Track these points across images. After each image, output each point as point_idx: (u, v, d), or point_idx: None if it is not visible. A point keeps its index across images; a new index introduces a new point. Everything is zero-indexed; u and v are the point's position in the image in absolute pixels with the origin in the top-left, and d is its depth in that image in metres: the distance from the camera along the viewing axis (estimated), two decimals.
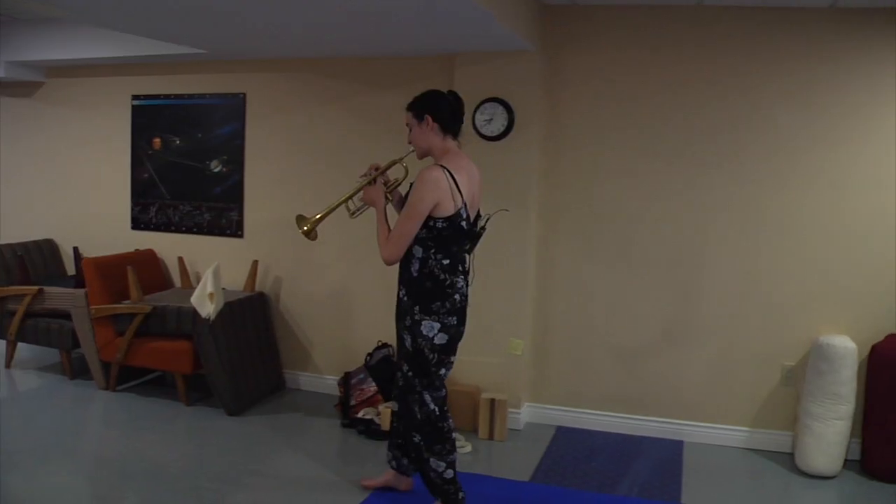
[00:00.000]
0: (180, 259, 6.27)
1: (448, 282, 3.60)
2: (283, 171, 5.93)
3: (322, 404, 5.64)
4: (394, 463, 4.09)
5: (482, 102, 5.08)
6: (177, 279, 6.37)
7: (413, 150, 3.76)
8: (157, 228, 6.48)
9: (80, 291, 5.81)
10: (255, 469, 4.47)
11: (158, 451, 4.71)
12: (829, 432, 4.50)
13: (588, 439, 5.09)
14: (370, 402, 5.21)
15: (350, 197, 3.86)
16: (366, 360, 5.44)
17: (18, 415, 5.53)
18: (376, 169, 3.85)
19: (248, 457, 4.61)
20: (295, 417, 5.35)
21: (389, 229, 3.63)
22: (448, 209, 3.51)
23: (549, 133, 5.18)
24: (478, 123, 5.09)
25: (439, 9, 3.92)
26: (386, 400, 5.20)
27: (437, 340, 3.62)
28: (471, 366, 5.26)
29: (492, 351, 5.23)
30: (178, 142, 6.30)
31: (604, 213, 5.13)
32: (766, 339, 4.90)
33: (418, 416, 3.71)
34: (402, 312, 3.72)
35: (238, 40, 5.19)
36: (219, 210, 6.19)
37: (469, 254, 3.73)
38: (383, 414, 4.99)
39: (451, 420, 3.78)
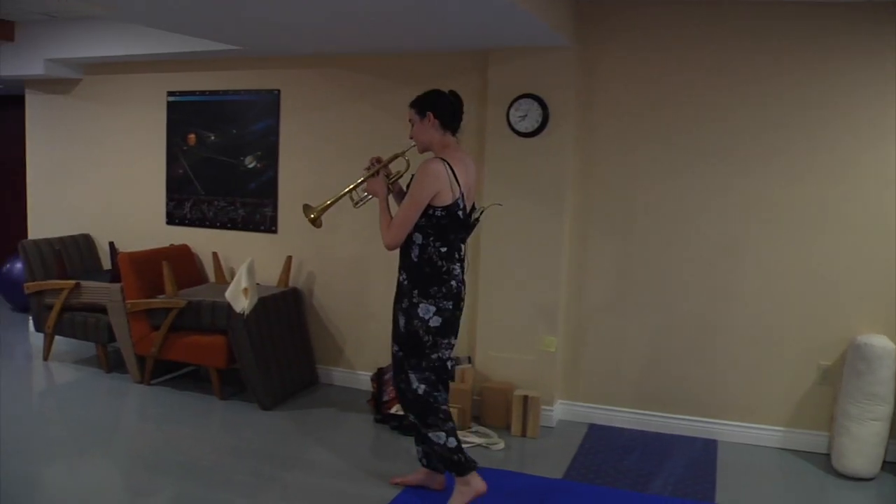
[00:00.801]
0: (214, 254, 6.32)
1: (445, 268, 3.79)
2: (317, 166, 5.95)
3: (355, 400, 5.66)
4: (424, 460, 4.15)
5: (516, 99, 5.06)
6: (211, 274, 6.43)
7: (414, 145, 3.98)
8: (191, 224, 6.54)
9: (116, 286, 5.88)
10: (289, 463, 4.50)
11: (193, 445, 4.76)
12: (867, 433, 4.44)
13: (621, 437, 5.06)
14: None
15: (354, 187, 4.05)
16: None
17: (55, 407, 5.62)
18: (379, 161, 4.03)
19: (282, 451, 4.63)
20: (328, 413, 5.37)
21: (391, 218, 3.81)
22: (447, 199, 3.71)
23: (584, 129, 5.15)
24: (512, 120, 5.08)
25: (475, 5, 3.91)
26: None
27: (431, 323, 3.78)
28: (504, 363, 5.26)
29: (525, 348, 5.22)
30: (212, 138, 6.35)
31: (638, 211, 5.10)
32: (803, 338, 4.85)
33: (408, 396, 3.90)
34: (400, 295, 3.90)
35: (273, 37, 5.21)
36: (253, 206, 6.23)
37: (464, 243, 3.91)
38: None
39: (441, 393, 3.92)
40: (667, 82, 4.96)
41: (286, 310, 5.74)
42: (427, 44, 5.22)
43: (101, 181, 7.01)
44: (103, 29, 6.31)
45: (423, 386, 3.85)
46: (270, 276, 6.03)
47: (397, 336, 3.93)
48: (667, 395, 5.14)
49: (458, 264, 3.87)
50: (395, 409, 5.13)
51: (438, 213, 3.72)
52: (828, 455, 4.76)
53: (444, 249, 3.78)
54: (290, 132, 6.06)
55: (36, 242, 6.57)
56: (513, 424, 5.05)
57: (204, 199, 6.46)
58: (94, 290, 6.07)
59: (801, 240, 4.80)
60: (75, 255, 6.82)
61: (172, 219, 6.62)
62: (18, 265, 8.02)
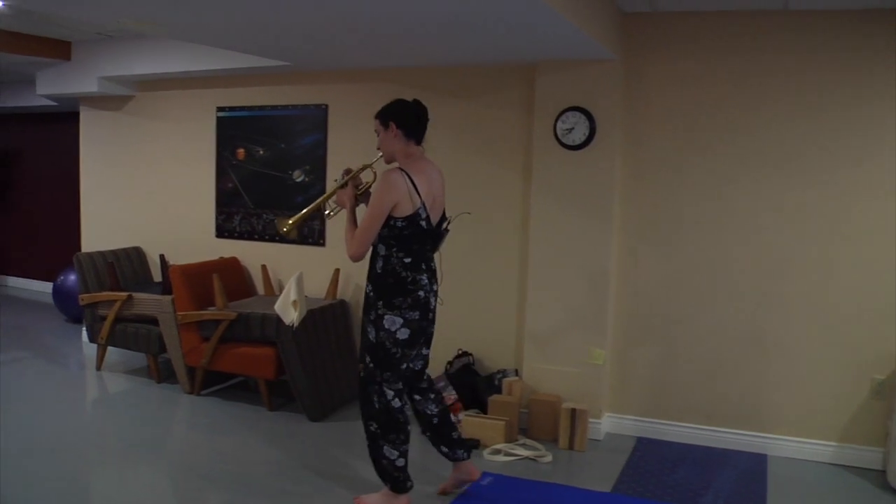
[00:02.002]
0: (263, 267, 6.40)
1: (410, 278, 3.80)
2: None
3: None
4: (450, 454, 4.24)
5: (563, 111, 5.07)
6: (260, 287, 6.51)
7: (381, 156, 3.98)
8: (240, 237, 6.63)
9: (167, 298, 5.98)
10: (337, 474, 4.53)
11: (241, 455, 4.81)
12: None
13: (669, 451, 5.02)
14: (451, 409, 5.22)
15: (325, 199, 4.12)
16: (446, 367, 5.47)
17: (107, 416, 5.73)
18: (348, 173, 4.07)
19: (330, 462, 4.67)
20: None
21: (355, 228, 3.85)
22: (406, 209, 3.72)
23: (631, 141, 5.14)
24: (559, 132, 5.09)
25: (523, 19, 3.93)
26: (466, 408, 5.23)
27: (399, 335, 3.80)
28: (551, 375, 5.25)
29: (572, 360, 5.21)
30: (261, 152, 6.44)
31: (687, 223, 5.07)
32: (855, 351, 4.77)
33: (376, 406, 3.88)
34: (367, 307, 3.91)
35: (322, 52, 5.28)
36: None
37: (432, 253, 3.94)
38: (464, 422, 5.01)
39: (407, 412, 3.96)
40: (715, 93, 4.94)
41: (334, 322, 5.79)
42: (473, 57, 5.25)
43: (152, 195, 7.14)
44: (155, 47, 6.44)
45: (397, 399, 3.90)
46: (318, 289, 6.09)
47: (368, 347, 3.91)
48: (716, 408, 5.09)
49: (427, 275, 3.88)
50: None
51: (399, 223, 3.74)
52: (883, 471, 4.67)
53: (407, 260, 3.81)
54: (337, 146, 6.13)
55: (90, 255, 6.71)
56: (560, 437, 5.03)
57: (253, 213, 6.54)
58: (146, 301, 6.18)
59: (853, 251, 4.73)
60: (127, 267, 6.95)
61: (222, 232, 6.72)
62: (72, 277, 8.20)
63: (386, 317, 3.80)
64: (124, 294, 6.28)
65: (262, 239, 6.50)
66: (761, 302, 4.94)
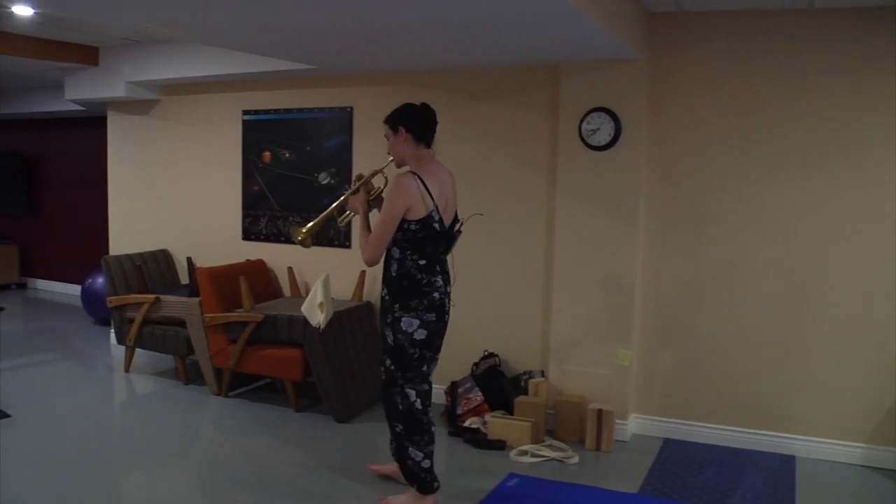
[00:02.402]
0: (290, 269, 6.44)
1: (425, 280, 3.85)
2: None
3: None
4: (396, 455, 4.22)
5: (588, 112, 5.07)
6: (286, 289, 6.54)
7: (392, 160, 4.03)
8: (266, 239, 6.67)
9: (195, 300, 6.03)
10: (363, 475, 4.54)
11: (269, 456, 4.84)
12: None
13: (697, 452, 5.00)
14: (477, 411, 5.24)
15: (337, 206, 4.21)
16: (472, 369, 5.49)
17: (136, 417, 5.79)
18: (359, 179, 4.14)
19: (356, 463, 4.68)
20: None
21: (369, 233, 3.89)
22: (419, 212, 3.77)
23: (656, 142, 5.14)
24: (584, 133, 5.08)
25: (548, 20, 3.94)
26: (492, 409, 5.23)
27: (416, 336, 3.86)
28: (577, 376, 5.25)
29: (599, 361, 5.21)
30: (287, 155, 6.48)
31: (712, 224, 5.06)
32: (885, 352, 4.72)
33: (400, 408, 3.95)
34: (384, 310, 3.97)
35: (347, 55, 5.31)
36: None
37: (445, 255, 3.99)
38: (491, 423, 5.02)
39: (431, 414, 4.03)
40: (742, 93, 4.91)
41: (360, 324, 5.81)
42: (497, 59, 5.26)
43: (179, 198, 7.20)
44: (181, 51, 6.51)
45: (419, 400, 3.95)
46: (344, 291, 6.11)
47: (388, 350, 3.96)
48: (744, 409, 5.06)
49: (440, 276, 3.92)
50: (469, 423, 5.17)
51: (413, 226, 3.78)
52: None
53: (422, 262, 3.85)
54: (362, 148, 6.15)
55: (118, 258, 6.78)
56: (587, 438, 5.03)
57: (279, 215, 6.58)
58: (174, 304, 6.23)
59: (882, 253, 4.69)
60: (154, 270, 7.01)
61: (248, 234, 6.76)
62: (100, 280, 8.27)
63: (403, 319, 3.86)
64: (152, 296, 6.34)
65: (288, 241, 6.53)
66: (788, 302, 4.92)
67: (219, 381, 5.99)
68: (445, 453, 5.00)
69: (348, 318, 5.65)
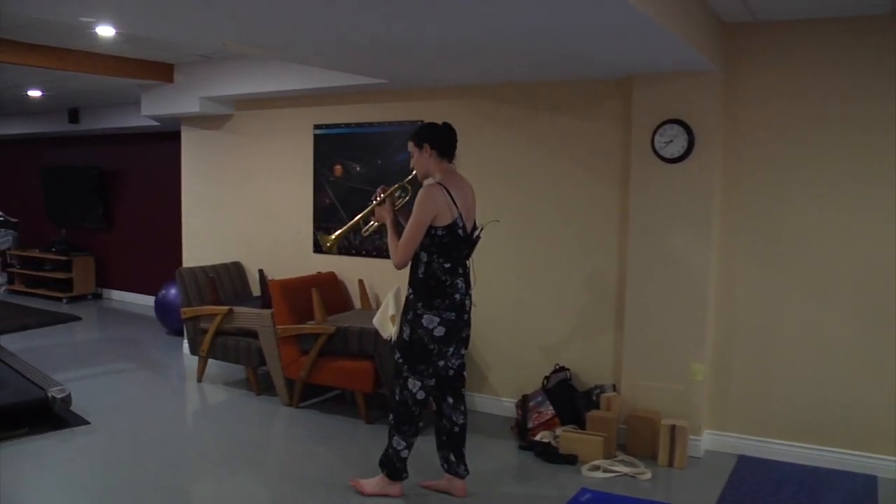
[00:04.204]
0: (360, 281, 6.49)
1: (449, 282, 4.16)
2: None
3: (498, 426, 5.68)
4: (445, 465, 4.47)
5: (661, 124, 5.03)
6: (357, 301, 6.60)
7: (415, 174, 4.36)
8: (338, 252, 6.73)
9: (267, 312, 6.11)
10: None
11: (340, 466, 4.88)
12: None
13: (772, 470, 4.89)
14: (548, 424, 5.21)
15: (364, 216, 4.50)
16: (543, 382, 5.46)
17: (208, 426, 5.90)
18: (384, 192, 4.43)
19: (428, 476, 4.67)
20: (471, 438, 5.32)
21: (398, 240, 4.18)
22: (446, 219, 4.10)
23: (730, 154, 5.06)
24: (657, 145, 5.04)
25: (624, 31, 3.92)
26: (563, 423, 5.20)
27: (436, 332, 4.14)
28: (650, 391, 5.19)
29: (671, 376, 5.14)
30: (358, 168, 6.54)
31: (788, 236, 4.95)
32: None
33: (397, 398, 4.28)
34: (406, 308, 4.27)
35: (417, 69, 5.36)
36: None
37: (467, 259, 4.28)
38: (562, 437, 4.99)
39: (423, 409, 4.31)
40: (819, 104, 4.81)
41: None
42: (569, 72, 5.25)
43: (251, 211, 7.32)
44: (254, 67, 6.63)
45: (422, 392, 4.24)
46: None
47: (399, 344, 4.29)
48: (822, 426, 4.93)
49: (462, 279, 4.22)
50: (540, 436, 5.14)
51: (440, 232, 4.10)
52: None
53: (447, 265, 4.15)
54: None
55: (191, 270, 6.92)
56: (660, 454, 4.96)
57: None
58: (247, 315, 6.32)
59: None
60: (227, 281, 7.13)
61: (319, 247, 6.84)
62: (173, 291, 8.44)
63: (424, 316, 4.14)
64: (225, 308, 6.45)
65: (359, 254, 6.59)
66: (869, 316, 4.78)
67: (290, 391, 6.06)
68: (516, 467, 4.98)
69: None
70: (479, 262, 5.86)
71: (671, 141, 5.01)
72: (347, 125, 6.61)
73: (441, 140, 4.27)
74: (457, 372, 4.42)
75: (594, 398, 5.29)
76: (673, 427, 4.91)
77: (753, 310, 5.09)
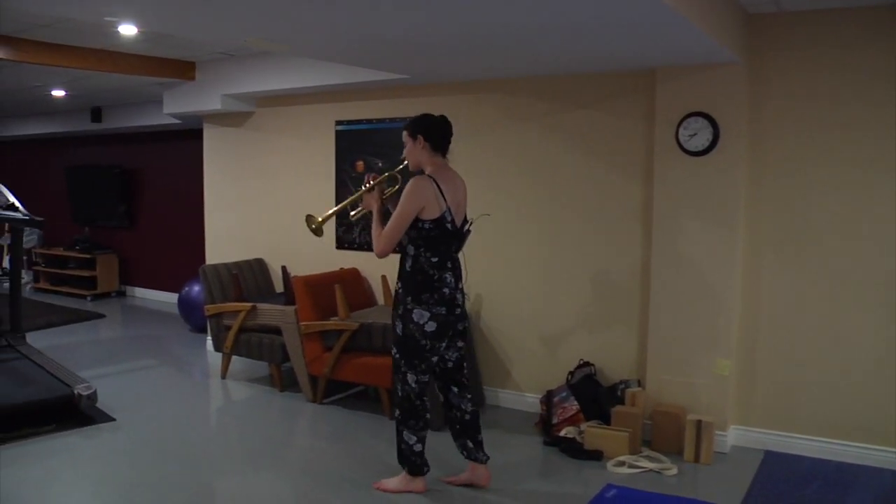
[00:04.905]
0: (383, 277, 6.49)
1: (437, 276, 4.14)
2: (484, 190, 6.01)
3: (522, 422, 5.66)
4: (464, 452, 4.47)
5: (685, 117, 4.98)
6: (380, 297, 6.60)
7: (406, 163, 4.35)
8: (360, 248, 6.74)
9: (291, 308, 6.12)
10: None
11: (363, 462, 4.88)
12: None
13: (800, 466, 4.84)
14: (572, 420, 5.19)
15: (351, 202, 4.53)
16: (567, 377, 5.44)
17: (232, 422, 5.93)
18: (374, 179, 4.41)
19: (452, 471, 4.66)
20: (495, 434, 5.38)
21: (382, 229, 4.18)
22: (433, 213, 4.08)
23: (755, 147, 5.01)
24: (681, 139, 5.00)
25: (648, 23, 3.89)
26: (588, 419, 5.17)
27: (427, 328, 4.12)
28: (675, 386, 5.16)
29: (696, 371, 5.10)
30: (380, 164, 6.53)
31: (814, 229, 4.90)
32: None
33: (399, 394, 4.27)
34: (396, 303, 4.25)
35: (439, 65, 5.34)
36: None
37: (456, 253, 4.27)
38: (587, 433, 4.97)
39: (427, 401, 4.29)
40: (847, 96, 4.75)
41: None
42: (591, 65, 5.22)
43: (273, 208, 7.34)
44: (275, 64, 6.65)
45: (416, 387, 4.21)
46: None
47: (395, 340, 4.26)
48: (850, 421, 4.88)
49: (450, 273, 4.18)
50: (565, 432, 5.12)
51: (427, 225, 4.08)
52: None
53: (434, 259, 4.13)
54: (455, 157, 6.10)
55: (214, 267, 6.94)
56: (685, 449, 4.92)
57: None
58: (270, 312, 6.34)
59: None
60: (250, 278, 7.16)
61: (342, 243, 6.85)
62: (196, 288, 8.48)
63: (414, 311, 4.13)
64: (248, 304, 6.46)
65: None
66: None
67: (314, 388, 6.07)
68: (540, 462, 4.97)
69: None
70: (502, 258, 5.93)
71: (696, 134, 4.96)
72: (369, 121, 6.61)
73: (436, 133, 4.27)
74: (456, 364, 4.39)
75: (619, 393, 5.27)
76: (699, 422, 4.87)
77: (779, 304, 5.04)
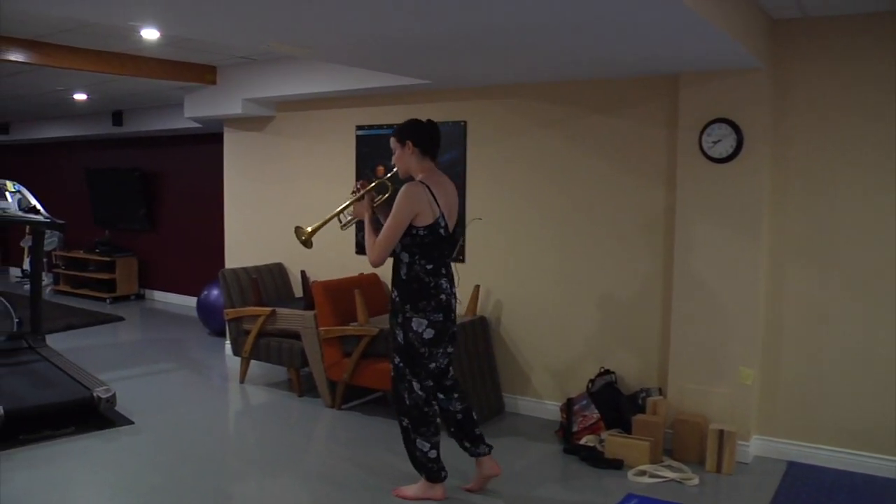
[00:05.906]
0: None
1: (432, 283, 4.13)
2: (505, 196, 6.00)
3: (541, 429, 5.62)
4: (468, 452, 4.44)
5: (709, 124, 4.94)
6: None
7: (396, 170, 4.32)
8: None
9: (310, 313, 6.11)
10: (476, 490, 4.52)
11: (381, 468, 4.87)
12: None
13: (824, 477, 4.77)
14: (593, 428, 5.15)
15: (342, 211, 4.44)
16: (588, 385, 5.40)
17: (250, 427, 5.93)
18: (364, 186, 4.38)
19: (469, 479, 4.63)
20: (515, 441, 5.36)
21: (375, 237, 4.15)
22: (427, 219, 4.07)
23: (780, 154, 4.96)
24: (704, 145, 4.96)
25: (671, 27, 3.85)
26: (609, 427, 5.13)
27: (425, 335, 4.13)
28: (697, 395, 5.11)
29: (719, 380, 5.05)
30: None
31: (840, 238, 4.84)
32: None
33: (407, 402, 4.24)
34: (395, 311, 4.26)
35: (460, 69, 5.32)
36: None
37: (450, 259, 4.27)
38: (608, 442, 4.92)
39: (435, 406, 4.29)
40: (873, 102, 4.69)
41: (474, 338, 5.79)
42: (614, 70, 5.19)
43: (293, 212, 7.32)
44: (296, 68, 6.64)
45: (423, 394, 4.20)
46: (458, 305, 6.06)
47: (397, 348, 4.25)
48: (877, 433, 4.80)
49: (445, 279, 4.18)
50: (585, 440, 5.08)
51: (421, 232, 4.07)
52: None
53: (429, 266, 4.12)
54: (476, 162, 6.14)
55: (234, 271, 6.94)
56: (707, 459, 4.87)
57: None
58: (289, 316, 6.34)
59: None
60: (269, 283, 7.15)
61: (362, 248, 6.83)
62: (215, 292, 8.50)
63: (413, 319, 4.13)
64: (268, 309, 6.46)
65: None
66: None
67: (332, 393, 6.06)
68: (561, 471, 4.93)
69: (462, 333, 5.60)
70: (523, 264, 5.89)
71: (719, 140, 4.92)
72: (390, 126, 6.58)
73: (424, 137, 4.24)
74: (443, 369, 4.34)
75: (640, 402, 5.22)
76: (721, 432, 4.82)
77: (803, 313, 4.98)
